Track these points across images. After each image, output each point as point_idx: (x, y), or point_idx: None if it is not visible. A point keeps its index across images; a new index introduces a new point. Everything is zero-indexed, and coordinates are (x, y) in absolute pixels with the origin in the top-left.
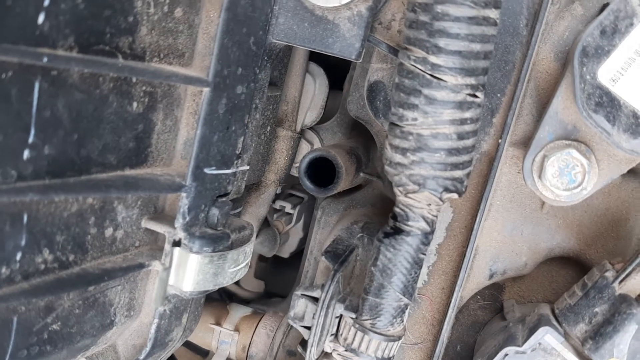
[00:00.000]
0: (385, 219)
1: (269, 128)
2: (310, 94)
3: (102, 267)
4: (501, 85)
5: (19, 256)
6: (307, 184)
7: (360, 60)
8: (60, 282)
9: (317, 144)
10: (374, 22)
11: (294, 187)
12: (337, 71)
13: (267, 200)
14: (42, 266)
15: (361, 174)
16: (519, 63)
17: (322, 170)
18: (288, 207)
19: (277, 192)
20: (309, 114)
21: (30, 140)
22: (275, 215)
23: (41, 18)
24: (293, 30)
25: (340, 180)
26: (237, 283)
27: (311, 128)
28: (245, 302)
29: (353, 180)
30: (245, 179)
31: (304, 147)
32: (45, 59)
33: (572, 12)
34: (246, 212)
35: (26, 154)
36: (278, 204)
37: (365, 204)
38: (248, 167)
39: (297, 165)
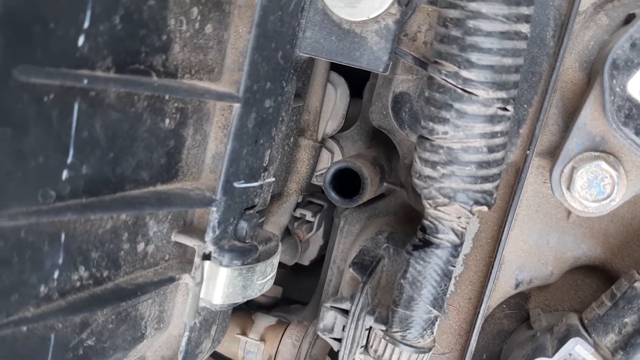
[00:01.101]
0: (408, 228)
1: (292, 139)
2: (331, 103)
3: (135, 282)
4: (528, 96)
5: (56, 274)
6: (333, 195)
7: (388, 73)
8: (95, 298)
9: (337, 153)
10: (400, 34)
11: (313, 194)
12: (357, 79)
13: (288, 209)
14: (78, 283)
15: (384, 184)
16: (545, 74)
17: (346, 181)
18: (309, 215)
19: (298, 200)
20: (330, 123)
21: (69, 160)
22: (295, 224)
23: (81, 40)
24: (320, 43)
25: (366, 192)
26: None
27: (332, 137)
28: (263, 307)
29: (377, 190)
30: (270, 190)
31: (325, 156)
32: (85, 81)
33: (597, 22)
34: (269, 221)
35: (65, 174)
36: (299, 212)
37: (388, 212)
38: (274, 179)
39: (318, 174)
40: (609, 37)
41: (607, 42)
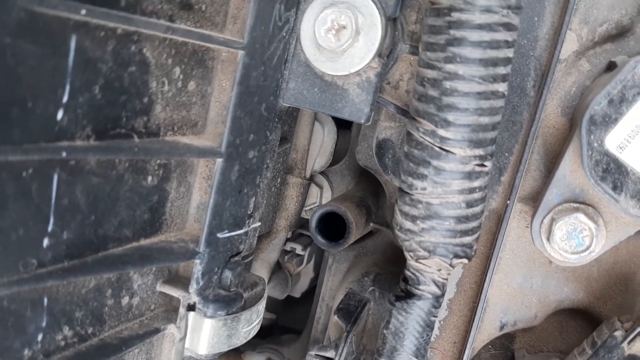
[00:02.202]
0: (395, 267)
1: (279, 180)
2: (319, 141)
3: (120, 336)
4: (509, 145)
5: (40, 337)
6: (319, 239)
7: (369, 123)
8: (81, 355)
9: (326, 188)
10: (382, 83)
11: (303, 226)
12: None
13: (278, 246)
14: (63, 343)
15: (371, 224)
16: (526, 123)
17: (332, 222)
18: (299, 249)
19: (288, 236)
20: (318, 160)
21: (50, 229)
22: (286, 257)
23: (60, 114)
24: (303, 95)
25: (351, 236)
26: None
27: (321, 172)
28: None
29: (363, 231)
30: (257, 234)
31: (314, 191)
32: (64, 154)
33: (579, 68)
34: (257, 258)
35: (46, 242)
36: (289, 246)
37: (375, 251)
38: (259, 224)
39: (308, 208)
40: (591, 83)
41: (589, 88)
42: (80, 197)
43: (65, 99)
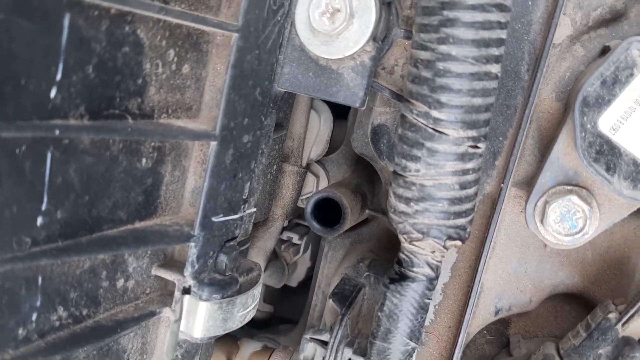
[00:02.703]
0: (390, 253)
1: (275, 167)
2: (315, 129)
3: (115, 319)
4: (503, 129)
5: (34, 317)
6: (314, 224)
7: (364, 107)
8: (75, 337)
9: (323, 177)
10: (377, 67)
11: (300, 216)
12: None
13: (274, 234)
14: (57, 323)
15: (366, 211)
16: (520, 107)
17: (328, 209)
18: (295, 238)
19: (285, 224)
20: (314, 148)
21: (43, 207)
22: (282, 246)
23: (53, 92)
24: (298, 79)
25: (346, 222)
26: None
27: (317, 161)
28: (258, 323)
29: (358, 217)
30: (252, 220)
31: (310, 180)
32: (57, 132)
33: (573, 53)
34: (254, 246)
35: (39, 220)
36: (285, 235)
37: (371, 238)
38: (255, 209)
39: (304, 197)
40: (585, 68)
41: (583, 73)
42: (74, 177)
43: (58, 77)
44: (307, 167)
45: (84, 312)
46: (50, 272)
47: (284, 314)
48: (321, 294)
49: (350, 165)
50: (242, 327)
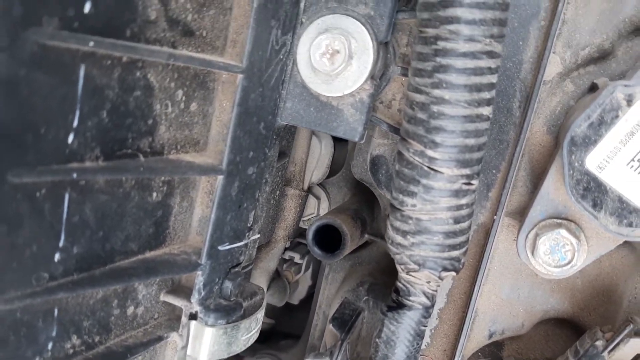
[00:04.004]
0: (389, 277)
1: (277, 192)
2: (316, 154)
3: (125, 344)
4: (496, 162)
5: (50, 346)
6: (316, 250)
7: (363, 141)
8: None
9: (324, 199)
10: (376, 102)
11: (301, 235)
12: None
13: (276, 255)
14: (71, 351)
15: (366, 235)
16: (512, 142)
17: (328, 233)
18: (297, 258)
19: (286, 245)
20: (316, 172)
21: (61, 244)
22: (284, 266)
23: (71, 138)
24: (300, 114)
25: (346, 248)
26: None
27: (318, 184)
28: (258, 337)
29: (358, 242)
30: (256, 245)
31: (312, 202)
32: (75, 175)
33: (563, 89)
34: (257, 267)
35: (57, 256)
36: (287, 255)
37: (370, 261)
38: (259, 235)
39: (306, 218)
40: (575, 103)
41: (572, 108)
42: (89, 214)
43: (75, 123)
44: (309, 190)
45: (96, 339)
46: (65, 304)
47: (285, 328)
48: (322, 314)
49: (351, 188)
50: None
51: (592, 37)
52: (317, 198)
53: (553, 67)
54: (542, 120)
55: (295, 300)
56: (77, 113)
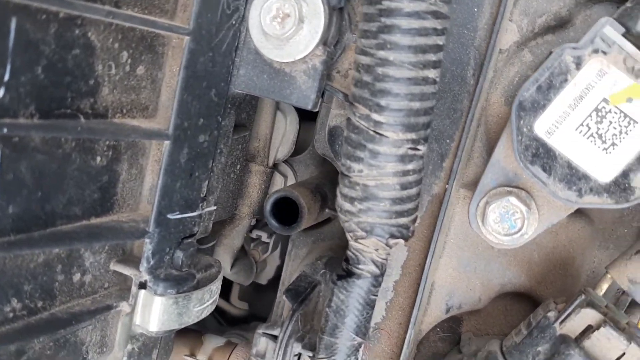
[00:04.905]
0: None
1: (238, 166)
2: (281, 130)
3: (71, 311)
4: (450, 132)
5: None
6: (273, 223)
7: (317, 109)
8: (29, 328)
9: (290, 177)
10: (332, 71)
11: None
12: None
13: (241, 232)
14: (11, 314)
15: (327, 210)
16: (466, 111)
17: (288, 207)
18: (264, 237)
19: (252, 223)
20: (281, 149)
21: None
22: (252, 245)
23: (1, 92)
24: (253, 81)
25: (303, 220)
26: (227, 300)
27: (285, 161)
28: (236, 320)
29: (318, 217)
30: (212, 218)
31: (278, 180)
32: (5, 130)
33: (521, 58)
34: (221, 243)
35: None
36: (254, 234)
37: (332, 237)
38: (215, 208)
39: None
40: (532, 74)
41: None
42: (25, 173)
43: (6, 77)
44: (275, 167)
45: (39, 304)
46: (2, 265)
47: (258, 311)
48: None
49: (318, 166)
50: (214, 324)
51: (550, 5)
52: (284, 176)
53: (510, 35)
54: (500, 91)
55: (263, 280)
56: (9, 67)
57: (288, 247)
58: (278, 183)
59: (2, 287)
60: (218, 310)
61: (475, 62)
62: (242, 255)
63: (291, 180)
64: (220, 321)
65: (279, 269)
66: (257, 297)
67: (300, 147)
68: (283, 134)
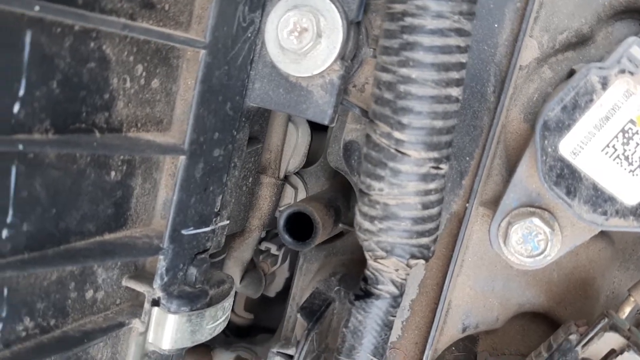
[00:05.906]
0: (363, 268)
1: (250, 179)
2: (293, 142)
3: (83, 329)
4: (470, 149)
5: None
6: (286, 238)
7: (334, 124)
8: (41, 346)
9: (301, 189)
10: (348, 85)
11: None
12: None
13: (251, 245)
14: (24, 333)
15: (340, 225)
16: (486, 128)
17: (301, 222)
18: (273, 249)
19: (262, 236)
20: (292, 161)
21: (9, 220)
22: (261, 257)
23: (16, 107)
24: (269, 95)
25: (317, 236)
26: (232, 310)
27: (296, 173)
28: (240, 329)
29: (331, 232)
30: (225, 232)
31: (289, 192)
32: (20, 146)
33: (541, 75)
34: (231, 256)
35: (5, 233)
36: (264, 246)
37: (344, 252)
38: (228, 222)
39: (283, 209)
40: (553, 91)
41: (550, 95)
42: (40, 190)
43: (21, 92)
44: (285, 179)
45: (52, 322)
46: (16, 284)
47: (264, 323)
48: (295, 305)
49: (329, 178)
50: (220, 335)
51: (571, 21)
52: (295, 188)
53: (530, 51)
54: (519, 108)
55: (271, 293)
56: (24, 82)
57: (299, 261)
58: (288, 195)
59: (16, 306)
60: None
61: (495, 78)
62: (251, 267)
63: (302, 192)
64: (225, 332)
65: (288, 281)
66: (263, 308)
67: (311, 158)
68: (294, 145)
